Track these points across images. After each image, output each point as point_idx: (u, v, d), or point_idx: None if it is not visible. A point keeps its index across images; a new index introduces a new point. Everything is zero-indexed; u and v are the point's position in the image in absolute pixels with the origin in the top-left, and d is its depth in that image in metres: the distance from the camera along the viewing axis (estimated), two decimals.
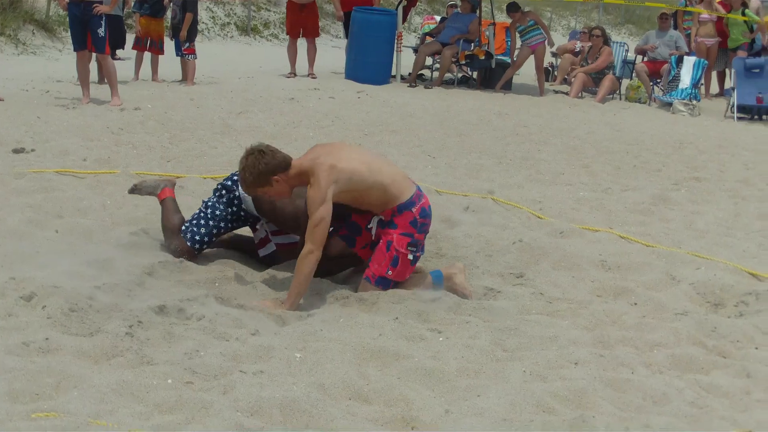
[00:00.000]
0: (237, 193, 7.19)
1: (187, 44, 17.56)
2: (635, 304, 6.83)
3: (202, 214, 7.26)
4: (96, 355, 5.25)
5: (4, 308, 5.79)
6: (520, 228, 8.65)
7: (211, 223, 7.22)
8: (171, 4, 17.77)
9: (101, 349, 5.30)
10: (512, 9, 20.20)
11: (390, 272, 6.61)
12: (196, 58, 17.72)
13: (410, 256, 6.65)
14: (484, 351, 5.73)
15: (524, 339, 6.05)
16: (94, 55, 14.67)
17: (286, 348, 5.51)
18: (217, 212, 7.23)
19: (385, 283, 6.62)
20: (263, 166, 6.32)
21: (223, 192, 7.26)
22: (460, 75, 21.02)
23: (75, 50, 14.50)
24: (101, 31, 14.00)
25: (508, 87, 20.32)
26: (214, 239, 7.30)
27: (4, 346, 5.18)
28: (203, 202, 7.39)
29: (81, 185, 9.15)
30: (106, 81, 14.85)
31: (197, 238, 7.21)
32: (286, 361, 5.32)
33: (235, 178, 7.14)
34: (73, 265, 6.74)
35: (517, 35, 20.33)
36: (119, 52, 18.81)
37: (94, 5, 13.95)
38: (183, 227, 7.27)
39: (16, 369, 4.88)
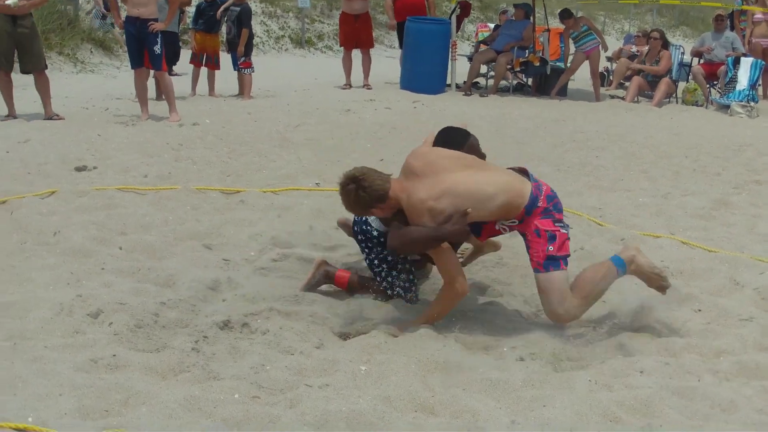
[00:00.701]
0: (373, 231, 6.82)
1: (244, 58, 17.67)
2: (699, 310, 6.78)
3: (383, 273, 6.83)
4: (163, 370, 5.30)
5: (72, 326, 5.85)
6: (581, 236, 8.62)
7: (393, 272, 6.82)
8: (225, 19, 17.90)
9: (168, 365, 5.35)
10: (565, 16, 20.16)
11: (551, 248, 6.19)
12: (253, 71, 17.83)
13: (563, 230, 6.28)
14: (549, 360, 5.73)
15: (589, 347, 6.04)
16: (151, 71, 14.80)
17: (350, 361, 5.53)
18: (388, 257, 6.80)
19: (554, 263, 6.20)
20: (358, 199, 6.10)
21: (363, 238, 6.87)
22: (515, 82, 21.00)
23: (132, 68, 14.65)
24: (157, 48, 14.16)
25: (563, 93, 20.27)
26: (412, 277, 6.88)
27: (72, 363, 5.25)
28: (367, 262, 6.95)
29: (143, 201, 9.22)
30: (164, 97, 14.97)
31: (406, 286, 6.83)
32: (352, 374, 5.34)
33: (356, 219, 6.92)
34: (138, 282, 6.82)
35: (571, 41, 20.28)
36: (175, 68, 18.98)
37: (150, 23, 14.11)
38: (395, 294, 6.85)
39: (85, 386, 4.94)
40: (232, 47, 17.90)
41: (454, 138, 6.55)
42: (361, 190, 6.07)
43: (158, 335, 5.81)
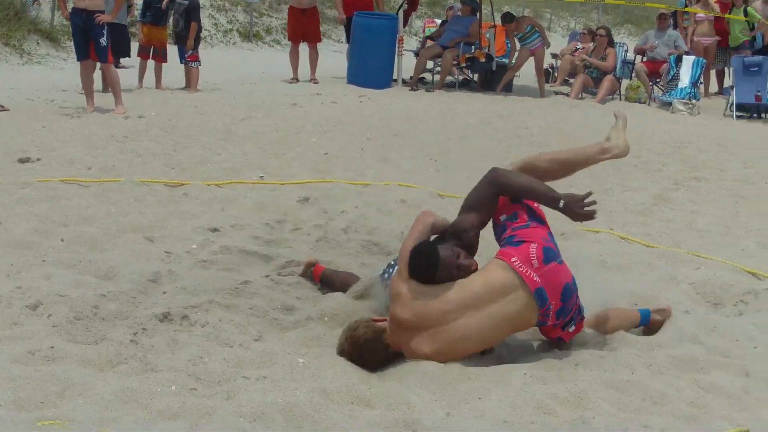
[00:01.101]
0: None
1: (192, 51, 17.65)
2: (636, 304, 6.86)
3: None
4: (101, 362, 5.31)
5: (10, 317, 5.84)
6: None
7: None
8: (173, 12, 17.84)
9: (106, 357, 5.36)
10: (506, 20, 20.32)
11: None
12: (200, 65, 17.81)
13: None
14: (486, 354, 5.79)
15: (525, 341, 6.11)
16: (98, 64, 14.72)
17: (289, 353, 5.57)
18: None
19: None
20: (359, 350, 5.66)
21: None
22: (461, 78, 21.07)
23: (78, 60, 14.60)
24: (103, 41, 14.08)
25: (508, 89, 20.38)
26: None
27: (9, 354, 5.24)
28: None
29: (86, 194, 9.20)
30: (110, 89, 14.90)
31: None
32: (289, 366, 5.38)
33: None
34: (79, 274, 6.81)
35: (517, 41, 20.39)
36: (123, 61, 18.87)
37: (96, 15, 14.02)
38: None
39: (22, 377, 4.94)
40: (179, 40, 17.87)
41: (426, 268, 5.78)
42: (356, 348, 5.63)
43: (97, 327, 5.81)
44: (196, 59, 17.74)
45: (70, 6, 14.82)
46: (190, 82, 17.71)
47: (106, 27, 14.14)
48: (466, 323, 5.55)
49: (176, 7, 17.74)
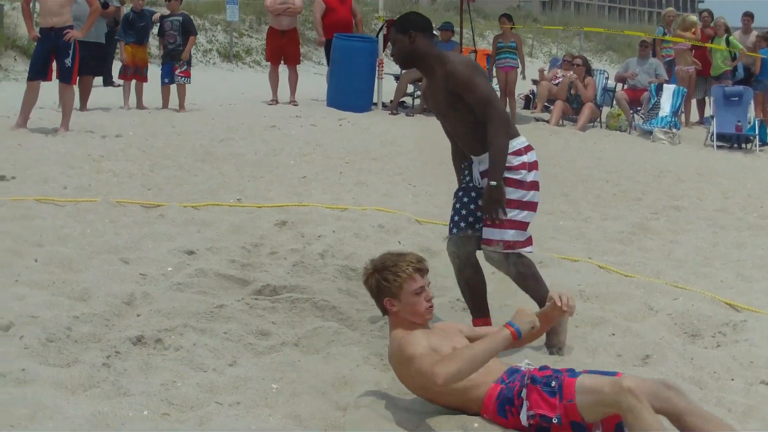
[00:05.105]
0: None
1: (186, 67, 17.69)
2: (613, 334, 6.83)
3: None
4: (73, 385, 5.24)
5: None
6: None
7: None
8: (166, 30, 17.71)
9: (78, 380, 5.30)
10: (506, 18, 20.33)
11: None
12: (189, 82, 17.79)
13: None
14: None
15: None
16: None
17: (263, 379, 5.52)
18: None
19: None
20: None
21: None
22: None
23: (29, 79, 14.17)
24: (68, 61, 13.80)
25: None
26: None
27: None
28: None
29: (61, 213, 9.13)
30: (61, 107, 14.41)
31: None
32: (263, 392, 5.33)
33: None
34: (52, 295, 6.74)
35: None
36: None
37: (66, 31, 13.73)
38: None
39: None
40: (174, 57, 17.71)
41: None
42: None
43: (70, 349, 5.75)
44: (189, 75, 17.75)
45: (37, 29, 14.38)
46: (180, 99, 17.69)
47: (73, 46, 13.82)
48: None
49: (167, 24, 17.70)
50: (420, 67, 6.53)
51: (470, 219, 6.58)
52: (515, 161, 6.41)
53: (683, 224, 10.96)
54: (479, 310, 6.77)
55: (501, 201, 6.31)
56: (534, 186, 6.51)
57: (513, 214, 6.40)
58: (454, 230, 6.63)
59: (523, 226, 6.48)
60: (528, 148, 6.55)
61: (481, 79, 6.37)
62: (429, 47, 6.47)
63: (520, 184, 6.43)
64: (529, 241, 6.61)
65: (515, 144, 6.46)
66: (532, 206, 6.53)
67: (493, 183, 6.28)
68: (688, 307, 7.44)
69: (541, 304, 6.44)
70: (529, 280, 6.69)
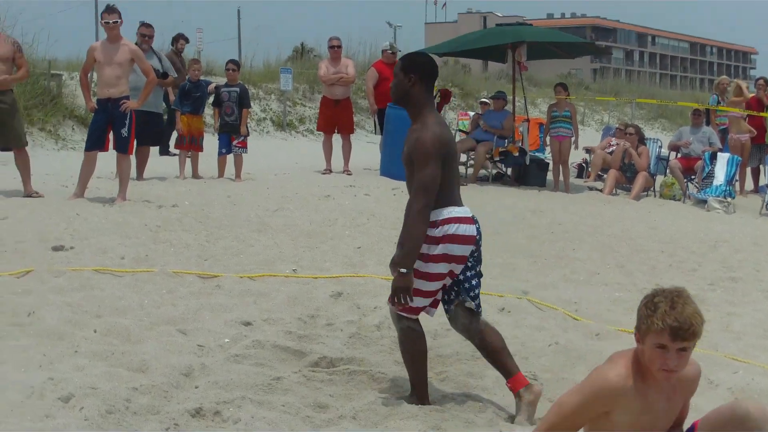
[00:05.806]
0: None
1: (243, 138, 17.91)
2: None
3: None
4: None
5: (42, 409, 5.82)
6: (556, 329, 8.64)
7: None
8: (223, 101, 17.94)
9: None
10: (561, 87, 20.38)
11: None
12: (247, 152, 18.00)
13: None
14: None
15: None
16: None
17: None
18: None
19: None
20: None
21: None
22: (494, 171, 21.11)
23: (87, 150, 14.38)
24: (125, 131, 13.99)
25: (542, 183, 20.37)
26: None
27: None
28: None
29: (119, 284, 9.22)
30: (130, 177, 14.71)
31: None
32: None
33: None
34: (111, 366, 6.79)
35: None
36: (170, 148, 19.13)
37: (122, 102, 13.96)
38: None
39: None
40: (231, 129, 17.91)
41: None
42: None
43: (129, 421, 5.78)
44: (246, 146, 17.98)
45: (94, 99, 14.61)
46: (237, 170, 17.84)
47: (129, 116, 14.01)
48: None
49: (225, 94, 17.92)
50: (407, 110, 6.58)
51: (452, 294, 6.55)
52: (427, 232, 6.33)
53: (740, 296, 10.85)
54: (507, 371, 6.68)
55: (408, 289, 6.22)
56: (438, 258, 6.37)
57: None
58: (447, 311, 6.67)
59: (417, 293, 6.36)
60: (449, 221, 6.39)
61: (432, 164, 6.30)
62: (423, 98, 6.51)
63: (421, 256, 6.35)
64: (416, 311, 6.48)
65: (436, 215, 6.38)
66: (428, 276, 6.39)
67: (403, 270, 6.22)
68: (749, 381, 7.37)
69: (411, 382, 6.60)
70: (405, 353, 6.65)
